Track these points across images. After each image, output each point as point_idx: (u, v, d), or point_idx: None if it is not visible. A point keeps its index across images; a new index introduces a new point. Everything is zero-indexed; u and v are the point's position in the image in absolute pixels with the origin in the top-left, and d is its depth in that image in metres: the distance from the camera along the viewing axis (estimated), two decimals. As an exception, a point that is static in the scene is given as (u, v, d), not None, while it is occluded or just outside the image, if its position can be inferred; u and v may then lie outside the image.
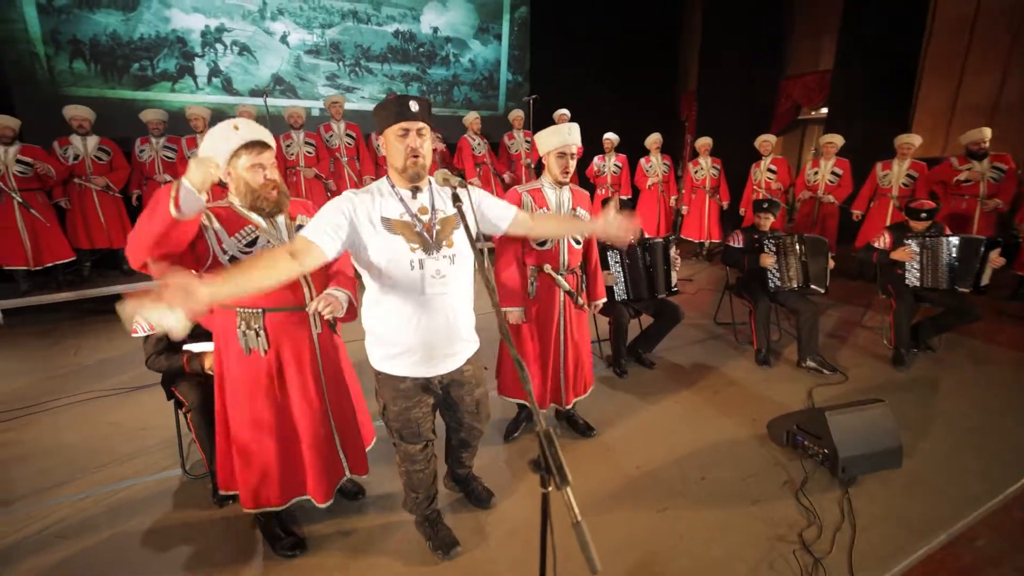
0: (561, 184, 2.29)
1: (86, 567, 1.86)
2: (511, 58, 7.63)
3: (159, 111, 4.91)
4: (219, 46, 5.91)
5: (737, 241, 3.56)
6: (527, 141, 6.28)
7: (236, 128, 1.56)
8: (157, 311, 1.10)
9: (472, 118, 6.02)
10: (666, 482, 2.27)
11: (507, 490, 2.21)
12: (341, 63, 6.57)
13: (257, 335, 1.67)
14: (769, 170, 5.64)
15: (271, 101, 5.52)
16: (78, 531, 2.03)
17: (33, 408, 3.00)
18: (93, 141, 4.63)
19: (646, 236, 3.34)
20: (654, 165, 6.09)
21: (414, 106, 1.46)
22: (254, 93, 6.07)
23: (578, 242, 2.37)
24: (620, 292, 3.19)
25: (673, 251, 3.25)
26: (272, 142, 1.64)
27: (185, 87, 5.84)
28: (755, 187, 5.78)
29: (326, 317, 1.71)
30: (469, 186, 1.54)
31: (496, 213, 1.76)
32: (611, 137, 6.08)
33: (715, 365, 3.39)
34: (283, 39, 6.20)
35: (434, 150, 1.90)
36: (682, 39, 8.79)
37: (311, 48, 6.37)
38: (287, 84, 6.34)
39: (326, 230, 1.43)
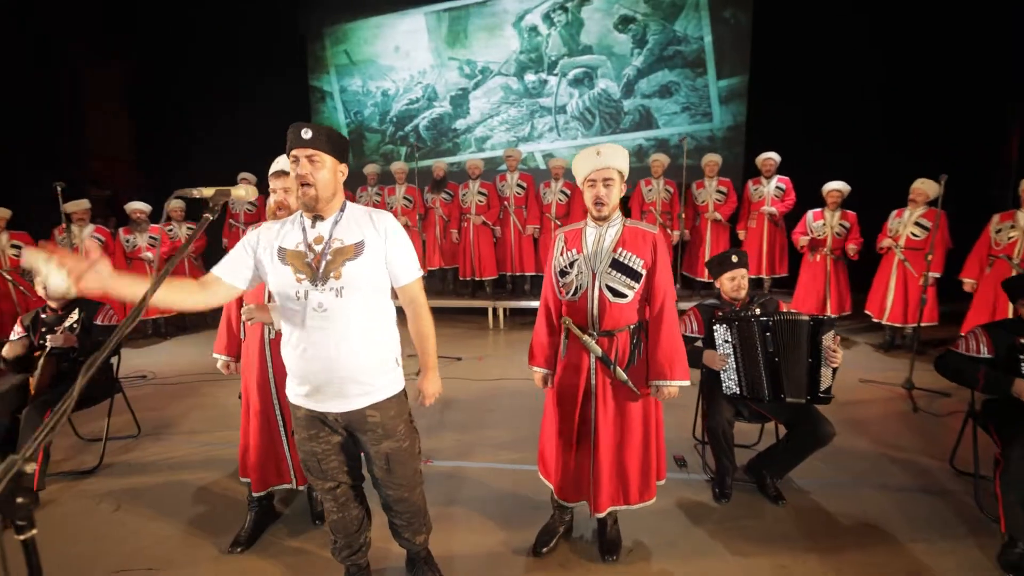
0: (598, 219, 1.88)
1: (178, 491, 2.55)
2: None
3: (373, 166, 6.18)
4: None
5: (690, 325, 2.50)
6: (520, 185, 5.70)
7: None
8: (50, 266, 1.07)
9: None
10: None
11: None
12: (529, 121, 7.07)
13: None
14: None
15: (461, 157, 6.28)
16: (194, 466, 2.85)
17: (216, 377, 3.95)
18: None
19: (765, 301, 2.46)
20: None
21: (306, 133, 1.43)
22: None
23: (618, 293, 1.84)
24: (729, 383, 2.34)
25: (829, 336, 2.22)
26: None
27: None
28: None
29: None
30: (383, 216, 1.58)
31: (397, 266, 1.61)
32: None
33: (898, 534, 2.14)
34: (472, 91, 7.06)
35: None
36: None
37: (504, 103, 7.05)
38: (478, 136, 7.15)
39: (228, 264, 1.54)
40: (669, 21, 6.48)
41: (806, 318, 2.24)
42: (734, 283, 2.44)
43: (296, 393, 1.60)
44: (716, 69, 6.42)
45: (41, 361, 2.68)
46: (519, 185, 5.73)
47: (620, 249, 1.86)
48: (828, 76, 5.77)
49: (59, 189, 4.16)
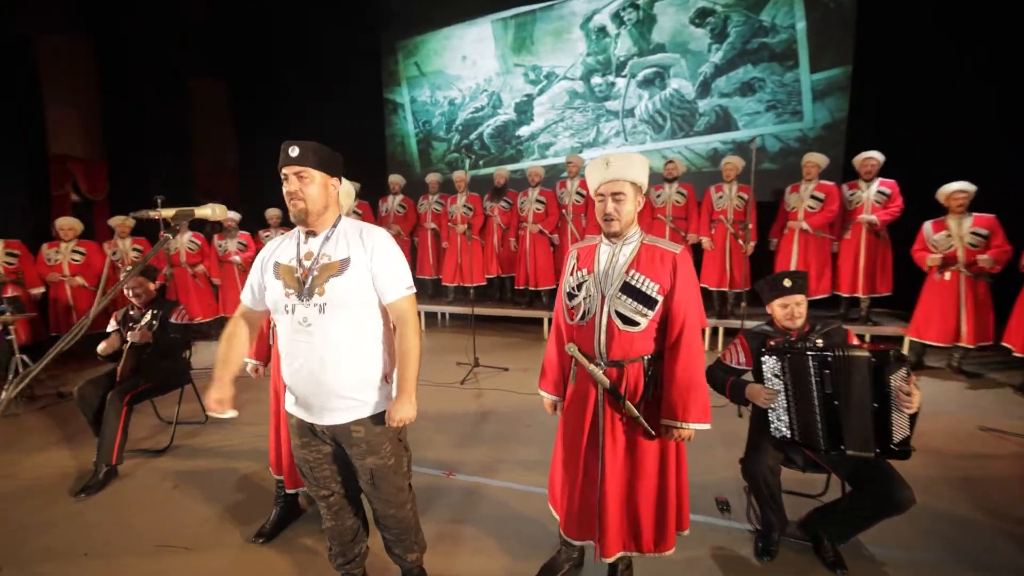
0: (610, 236, 1.70)
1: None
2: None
3: (436, 175, 6.27)
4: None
5: (735, 356, 2.19)
6: (579, 193, 5.39)
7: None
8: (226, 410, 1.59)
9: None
10: None
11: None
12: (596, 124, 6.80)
13: None
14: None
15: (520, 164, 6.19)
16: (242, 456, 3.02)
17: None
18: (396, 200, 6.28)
19: (830, 331, 2.06)
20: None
21: (293, 151, 1.45)
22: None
23: (629, 320, 1.64)
24: (778, 424, 1.98)
25: (900, 375, 1.80)
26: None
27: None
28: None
29: None
30: (374, 232, 1.57)
31: (382, 282, 1.55)
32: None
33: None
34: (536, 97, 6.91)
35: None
36: None
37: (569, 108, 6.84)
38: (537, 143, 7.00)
39: (248, 291, 1.59)
40: (754, 11, 5.90)
41: (865, 354, 1.85)
42: (786, 311, 2.09)
43: (289, 402, 1.65)
44: (810, 61, 5.74)
45: (125, 353, 3.03)
46: (579, 192, 5.52)
47: (632, 271, 1.66)
48: (945, 65, 4.91)
49: (159, 201, 4.66)
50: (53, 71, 5.96)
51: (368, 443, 1.58)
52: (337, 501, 1.72)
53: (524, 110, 6.93)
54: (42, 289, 5.13)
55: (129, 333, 3.05)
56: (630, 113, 6.50)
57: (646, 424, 1.65)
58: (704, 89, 6.19)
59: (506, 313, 5.96)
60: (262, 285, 1.60)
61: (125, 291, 3.15)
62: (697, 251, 5.25)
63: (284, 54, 7.64)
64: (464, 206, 5.93)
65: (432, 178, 6.21)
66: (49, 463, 3.10)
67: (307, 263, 1.53)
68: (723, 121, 6.16)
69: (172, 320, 3.17)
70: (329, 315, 1.48)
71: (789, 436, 1.96)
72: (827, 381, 1.88)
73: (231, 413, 1.58)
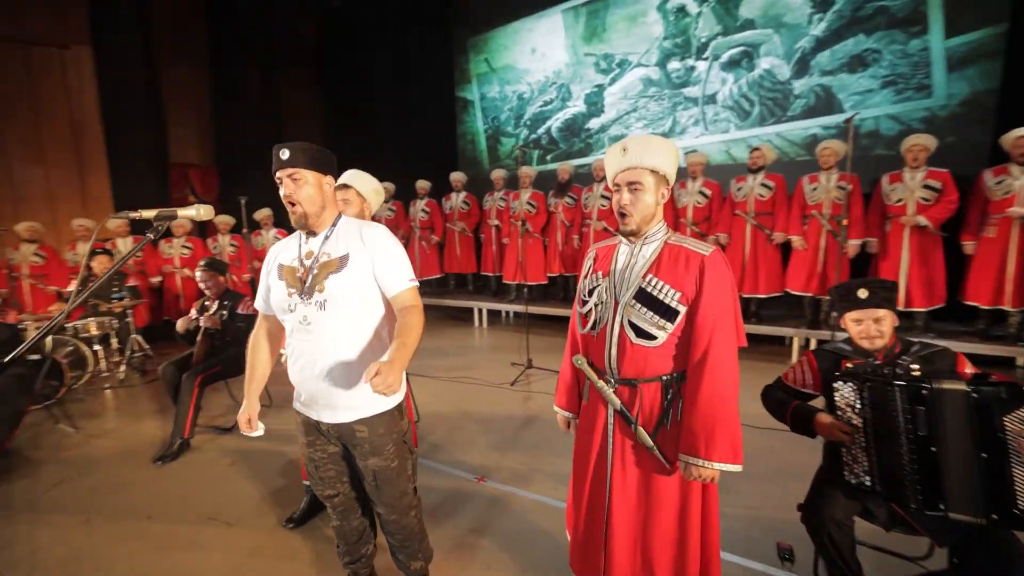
0: (627, 235, 1.47)
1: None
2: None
3: (501, 171, 6.24)
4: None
5: (800, 376, 1.82)
6: (703, 192, 4.78)
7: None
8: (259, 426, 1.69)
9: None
10: None
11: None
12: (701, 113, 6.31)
13: None
14: None
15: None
16: (292, 440, 3.14)
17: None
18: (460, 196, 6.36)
19: (931, 354, 1.66)
20: None
21: (284, 153, 1.44)
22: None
23: (643, 333, 1.41)
24: (856, 469, 1.60)
25: (1021, 419, 1.37)
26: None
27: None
28: None
29: None
30: (373, 229, 1.54)
31: (384, 277, 1.52)
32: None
33: None
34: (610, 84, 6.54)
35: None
36: None
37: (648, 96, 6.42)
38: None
39: (260, 292, 1.64)
40: (868, -29, 5.08)
41: (961, 387, 1.43)
42: (860, 328, 1.71)
43: (296, 399, 1.65)
44: (945, 24, 4.80)
45: (199, 338, 3.36)
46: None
47: (651, 276, 1.42)
48: None
49: (243, 202, 5.13)
50: (174, 94, 6.89)
51: (371, 443, 1.56)
52: (342, 502, 1.72)
53: (594, 101, 6.64)
54: (159, 278, 5.90)
55: (200, 319, 3.37)
56: (711, 99, 5.94)
57: (661, 456, 1.42)
58: (802, 67, 5.46)
59: (563, 313, 5.77)
60: (268, 288, 1.63)
61: (199, 284, 3.49)
62: (785, 251, 4.67)
63: (369, 59, 8.08)
64: (527, 203, 5.82)
65: (497, 174, 6.18)
66: (143, 431, 3.53)
67: (308, 262, 1.54)
68: (824, 103, 5.39)
69: (239, 311, 3.44)
70: (329, 312, 1.48)
71: (869, 485, 1.58)
72: (920, 420, 1.48)
73: (259, 432, 1.67)
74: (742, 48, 5.73)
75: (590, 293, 1.54)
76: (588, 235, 5.41)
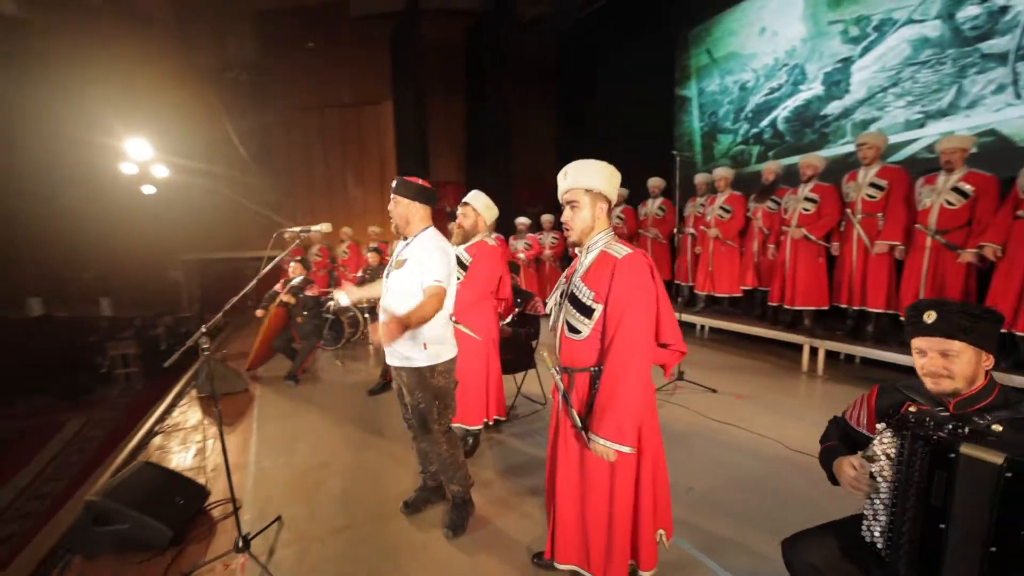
0: (572, 246, 1.72)
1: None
2: None
3: (704, 175, 5.75)
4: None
5: (857, 413, 1.48)
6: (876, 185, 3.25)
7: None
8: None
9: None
10: None
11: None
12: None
13: None
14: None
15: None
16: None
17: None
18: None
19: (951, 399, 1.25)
20: None
21: (394, 183, 2.17)
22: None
23: (573, 328, 1.64)
24: (872, 524, 1.31)
25: None
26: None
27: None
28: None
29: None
30: (435, 241, 2.13)
31: (422, 273, 2.06)
32: None
33: None
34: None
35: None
36: None
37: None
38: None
39: None
40: None
41: (997, 461, 1.04)
42: (924, 362, 1.29)
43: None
44: None
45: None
46: (874, 185, 3.97)
47: (575, 278, 1.66)
48: None
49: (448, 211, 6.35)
50: (436, 120, 8.94)
51: (407, 385, 2.19)
52: (409, 426, 2.41)
53: (837, 80, 5.35)
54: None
55: (282, 295, 4.73)
56: (1030, 51, 4.04)
57: (585, 435, 1.61)
58: None
59: (754, 331, 4.95)
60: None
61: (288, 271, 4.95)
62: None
63: (596, 71, 8.55)
64: (720, 207, 5.24)
65: (700, 179, 5.72)
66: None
67: (396, 259, 2.21)
68: None
69: (305, 293, 4.77)
70: (392, 292, 2.16)
71: (878, 544, 1.30)
72: (938, 488, 1.16)
73: (341, 297, 2.43)
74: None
75: (555, 295, 1.79)
76: (785, 244, 4.53)
